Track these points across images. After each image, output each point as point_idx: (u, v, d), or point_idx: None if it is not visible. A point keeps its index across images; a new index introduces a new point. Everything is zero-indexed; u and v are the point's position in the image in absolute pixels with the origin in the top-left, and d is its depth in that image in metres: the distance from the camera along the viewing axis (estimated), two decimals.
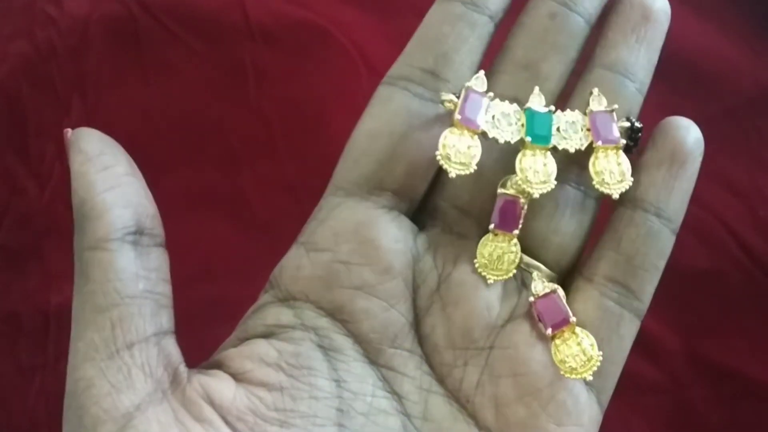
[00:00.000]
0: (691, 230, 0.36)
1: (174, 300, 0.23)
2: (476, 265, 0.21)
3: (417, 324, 0.21)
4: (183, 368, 0.20)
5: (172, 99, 0.37)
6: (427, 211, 0.23)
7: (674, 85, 0.37)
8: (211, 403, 0.19)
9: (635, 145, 0.22)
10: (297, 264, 0.21)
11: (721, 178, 0.36)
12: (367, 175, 0.21)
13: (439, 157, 0.20)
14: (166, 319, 0.20)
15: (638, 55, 0.22)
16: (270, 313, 0.21)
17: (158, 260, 0.20)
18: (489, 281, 0.21)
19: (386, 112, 0.21)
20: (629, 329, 0.21)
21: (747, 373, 0.34)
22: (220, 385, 0.20)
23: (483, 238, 0.21)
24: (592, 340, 0.21)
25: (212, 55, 0.37)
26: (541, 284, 0.21)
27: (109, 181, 0.19)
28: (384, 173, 0.21)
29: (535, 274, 0.21)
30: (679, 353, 0.34)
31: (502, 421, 0.21)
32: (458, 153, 0.20)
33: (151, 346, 0.19)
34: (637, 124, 0.21)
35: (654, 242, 0.21)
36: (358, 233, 0.21)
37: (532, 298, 0.21)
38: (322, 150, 0.37)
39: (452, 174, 0.20)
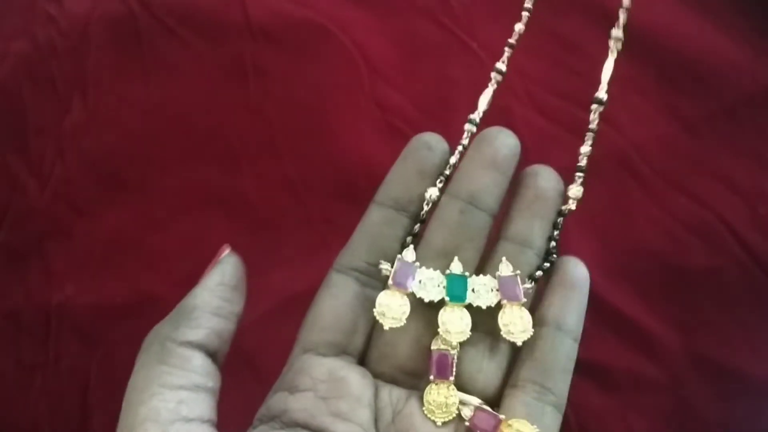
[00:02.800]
0: (690, 228, 0.36)
1: (174, 299, 0.23)
2: (425, 411, 0.25)
3: None
4: None
5: (172, 98, 0.37)
6: (370, 369, 0.26)
7: (675, 84, 0.37)
8: None
9: (536, 281, 0.27)
10: (284, 403, 0.25)
11: (721, 176, 0.36)
12: (334, 343, 0.26)
13: (375, 313, 0.25)
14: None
15: (533, 227, 0.27)
16: None
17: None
18: (438, 423, 0.25)
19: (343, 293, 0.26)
20: (553, 420, 0.26)
21: (746, 371, 0.34)
22: None
23: (427, 388, 0.25)
24: (525, 422, 0.25)
25: (213, 53, 0.37)
26: (467, 409, 0.25)
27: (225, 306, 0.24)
28: (347, 342, 0.26)
29: (459, 404, 0.26)
30: (679, 351, 0.34)
31: None
32: (390, 309, 0.25)
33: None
34: (537, 275, 0.27)
35: (560, 349, 0.26)
36: (332, 375, 0.25)
37: (467, 423, 0.25)
38: (322, 148, 0.37)
39: (386, 327, 0.25)
